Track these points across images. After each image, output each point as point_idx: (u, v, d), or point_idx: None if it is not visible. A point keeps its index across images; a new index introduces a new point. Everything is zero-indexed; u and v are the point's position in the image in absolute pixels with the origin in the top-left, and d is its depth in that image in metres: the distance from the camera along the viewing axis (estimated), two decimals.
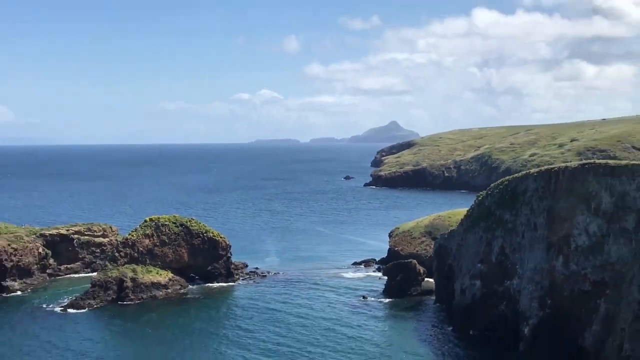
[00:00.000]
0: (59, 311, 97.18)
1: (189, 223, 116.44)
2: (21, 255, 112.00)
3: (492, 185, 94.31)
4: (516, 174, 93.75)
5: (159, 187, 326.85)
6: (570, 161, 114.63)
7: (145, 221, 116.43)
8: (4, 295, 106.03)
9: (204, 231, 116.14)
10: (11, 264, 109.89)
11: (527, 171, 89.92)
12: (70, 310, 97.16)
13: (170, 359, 78.53)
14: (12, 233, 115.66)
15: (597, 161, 74.87)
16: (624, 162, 72.89)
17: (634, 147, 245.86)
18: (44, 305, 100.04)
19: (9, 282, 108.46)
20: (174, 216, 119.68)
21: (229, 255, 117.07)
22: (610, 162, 73.19)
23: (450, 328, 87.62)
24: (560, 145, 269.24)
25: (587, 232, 69.37)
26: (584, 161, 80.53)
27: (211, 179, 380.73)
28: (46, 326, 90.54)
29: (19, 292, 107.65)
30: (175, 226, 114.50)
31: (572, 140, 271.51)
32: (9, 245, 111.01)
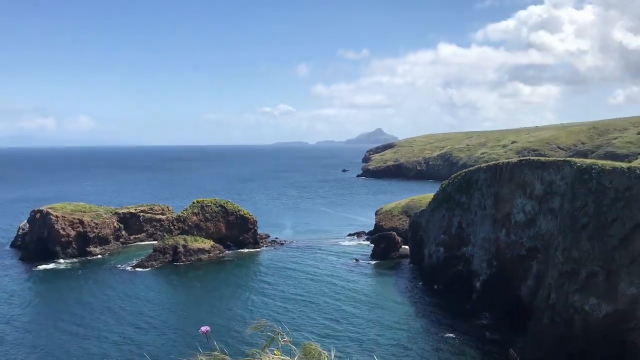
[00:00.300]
0: (129, 270, 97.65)
1: (226, 204, 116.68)
2: (101, 228, 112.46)
3: (452, 176, 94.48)
4: (471, 168, 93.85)
5: (204, 177, 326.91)
6: (511, 158, 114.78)
7: (193, 203, 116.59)
8: (89, 258, 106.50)
9: (237, 210, 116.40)
10: (93, 234, 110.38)
11: (479, 165, 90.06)
12: (137, 269, 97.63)
13: (212, 304, 78.99)
14: (94, 211, 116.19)
15: (531, 158, 74.97)
16: (551, 158, 73.07)
17: (559, 147, 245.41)
18: (118, 265, 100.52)
19: (92, 248, 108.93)
20: (215, 199, 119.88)
21: (255, 228, 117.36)
22: (541, 158, 73.37)
23: (421, 283, 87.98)
24: (504, 146, 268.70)
25: (523, 211, 69.59)
26: (522, 158, 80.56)
27: (243, 171, 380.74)
28: (120, 280, 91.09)
29: (99, 256, 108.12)
30: (216, 206, 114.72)
31: (512, 142, 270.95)
32: (91, 220, 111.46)
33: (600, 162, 61.46)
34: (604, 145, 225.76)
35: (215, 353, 4.32)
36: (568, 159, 69.58)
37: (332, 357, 4.42)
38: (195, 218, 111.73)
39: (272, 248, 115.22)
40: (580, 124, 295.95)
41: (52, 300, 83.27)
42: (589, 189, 56.76)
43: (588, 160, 65.44)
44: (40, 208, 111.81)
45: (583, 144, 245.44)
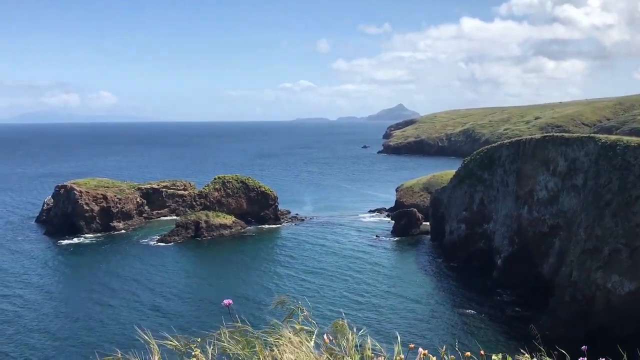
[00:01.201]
0: (152, 244, 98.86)
1: (247, 180, 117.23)
2: (124, 203, 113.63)
3: (474, 152, 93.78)
4: (493, 144, 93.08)
5: (226, 153, 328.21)
6: (535, 134, 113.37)
7: (215, 179, 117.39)
8: (112, 232, 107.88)
9: (258, 186, 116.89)
10: (117, 209, 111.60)
11: (502, 142, 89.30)
12: (160, 244, 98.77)
13: (234, 278, 79.94)
14: (117, 187, 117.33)
15: (554, 134, 74.19)
16: (575, 135, 72.19)
17: (583, 124, 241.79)
18: (142, 240, 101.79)
19: (115, 223, 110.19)
20: (236, 175, 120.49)
21: (276, 204, 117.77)
22: (565, 135, 72.58)
23: (441, 259, 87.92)
24: (527, 122, 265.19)
25: (546, 187, 69.04)
26: (545, 134, 79.76)
27: (264, 148, 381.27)
28: (144, 255, 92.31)
29: (123, 230, 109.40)
30: (237, 182, 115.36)
31: (536, 118, 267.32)
32: (115, 195, 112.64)
33: (625, 138, 60.64)
34: (629, 121, 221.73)
35: (238, 325, 4.41)
36: (592, 135, 68.73)
37: (357, 335, 4.49)
38: (216, 194, 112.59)
39: (293, 224, 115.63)
40: (606, 99, 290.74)
41: (80, 272, 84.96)
42: (613, 165, 56.07)
43: (613, 137, 64.58)
44: (65, 183, 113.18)
45: (608, 120, 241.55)
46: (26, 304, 69.13)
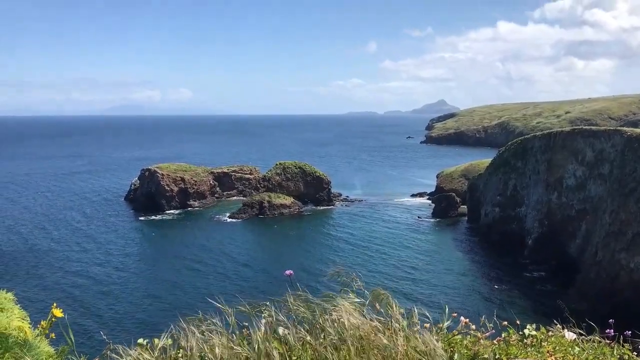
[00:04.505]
0: (223, 220, 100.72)
1: (304, 166, 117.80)
2: (199, 185, 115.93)
3: (509, 143, 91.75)
4: (526, 136, 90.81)
5: (286, 142, 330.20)
6: (565, 127, 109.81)
7: (276, 164, 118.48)
8: (188, 209, 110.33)
9: (313, 171, 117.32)
10: (193, 190, 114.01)
11: (534, 134, 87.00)
12: (229, 220, 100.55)
13: (294, 250, 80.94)
14: (193, 171, 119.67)
15: (583, 127, 71.88)
16: (602, 128, 69.78)
17: (610, 118, 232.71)
18: (214, 217, 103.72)
19: (191, 202, 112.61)
20: (295, 162, 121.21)
21: (329, 187, 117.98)
22: (593, 128, 70.21)
23: (477, 238, 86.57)
24: (558, 116, 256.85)
25: (574, 176, 67.09)
26: (574, 127, 77.34)
27: (319, 137, 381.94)
28: (216, 229, 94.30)
29: (198, 208, 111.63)
30: (295, 168, 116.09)
31: (566, 113, 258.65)
32: (191, 178, 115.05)
33: None
34: None
35: (300, 293, 4.49)
36: (619, 128, 66.38)
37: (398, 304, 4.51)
38: (277, 178, 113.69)
39: (344, 205, 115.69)
40: (632, 95, 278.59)
41: (163, 243, 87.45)
42: (638, 156, 54.01)
43: (638, 130, 62.08)
44: (149, 167, 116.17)
45: (634, 114, 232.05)
46: (122, 267, 72.58)
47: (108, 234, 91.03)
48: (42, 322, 4.06)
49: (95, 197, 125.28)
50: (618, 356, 4.50)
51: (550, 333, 4.69)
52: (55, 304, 4.21)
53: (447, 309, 4.58)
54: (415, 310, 4.43)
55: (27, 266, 71.70)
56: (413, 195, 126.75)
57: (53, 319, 4.05)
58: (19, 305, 4.00)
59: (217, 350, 4.02)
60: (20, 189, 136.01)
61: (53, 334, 4.14)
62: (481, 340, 4.47)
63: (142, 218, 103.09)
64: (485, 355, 4.22)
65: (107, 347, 4.03)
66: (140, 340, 4.19)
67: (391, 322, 4.27)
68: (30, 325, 3.91)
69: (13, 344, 3.57)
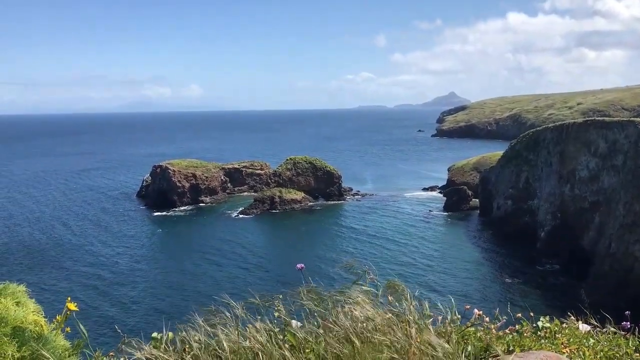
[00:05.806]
0: (235, 216, 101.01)
1: (314, 161, 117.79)
2: (210, 181, 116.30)
3: (521, 135, 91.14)
4: (538, 128, 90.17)
5: (296, 137, 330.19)
6: (577, 118, 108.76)
7: (287, 160, 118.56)
8: (200, 205, 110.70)
9: (324, 166, 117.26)
10: (204, 186, 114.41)
11: (546, 125, 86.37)
12: (241, 215, 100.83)
13: (305, 245, 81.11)
14: (204, 166, 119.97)
15: (596, 118, 71.23)
16: (615, 119, 69.10)
17: (623, 108, 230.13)
18: (225, 212, 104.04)
19: (202, 198, 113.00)
20: (305, 157, 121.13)
21: (340, 182, 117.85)
22: (606, 119, 69.58)
23: (489, 232, 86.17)
24: (570, 107, 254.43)
25: (587, 167, 66.51)
26: (587, 118, 76.67)
27: (329, 132, 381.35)
28: (228, 224, 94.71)
29: (209, 204, 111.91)
30: (306, 163, 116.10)
31: (578, 104, 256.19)
32: (202, 174, 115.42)
33: None
34: None
35: (312, 286, 4.49)
36: (632, 119, 65.66)
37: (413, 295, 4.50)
38: (288, 173, 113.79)
39: (355, 200, 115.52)
40: None
41: (175, 238, 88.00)
42: None
43: None
44: (160, 163, 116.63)
45: None
46: (139, 260, 74.13)
47: (125, 229, 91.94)
48: (57, 317, 4.10)
49: (109, 193, 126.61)
50: (634, 347, 4.46)
51: (564, 325, 4.67)
52: (69, 298, 4.24)
53: (455, 302, 4.56)
54: (426, 303, 4.42)
55: (53, 259, 73.81)
56: (424, 189, 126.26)
57: (68, 313, 4.09)
58: (33, 300, 4.04)
59: (225, 345, 4.04)
60: (40, 185, 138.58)
61: (68, 328, 4.18)
62: (494, 332, 4.45)
63: (155, 214, 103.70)
64: (499, 347, 4.21)
65: (122, 340, 4.07)
66: (154, 334, 4.22)
67: (405, 314, 4.26)
68: (46, 319, 3.95)
69: (29, 338, 3.60)
